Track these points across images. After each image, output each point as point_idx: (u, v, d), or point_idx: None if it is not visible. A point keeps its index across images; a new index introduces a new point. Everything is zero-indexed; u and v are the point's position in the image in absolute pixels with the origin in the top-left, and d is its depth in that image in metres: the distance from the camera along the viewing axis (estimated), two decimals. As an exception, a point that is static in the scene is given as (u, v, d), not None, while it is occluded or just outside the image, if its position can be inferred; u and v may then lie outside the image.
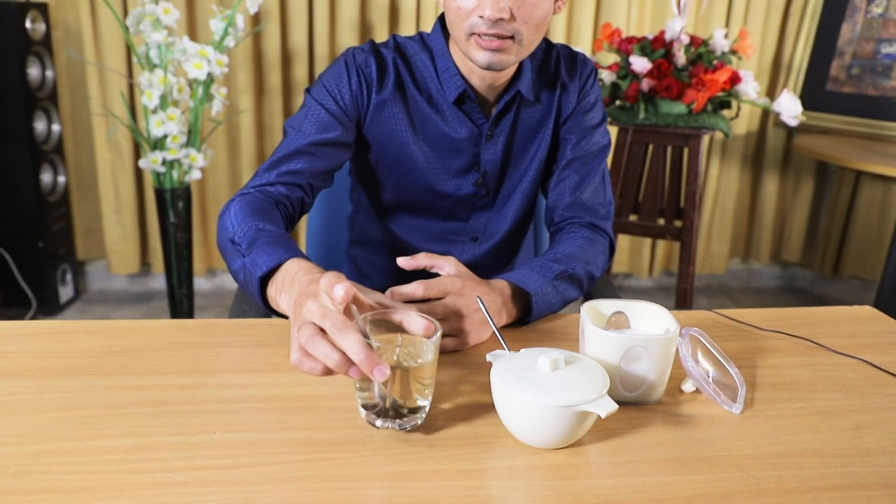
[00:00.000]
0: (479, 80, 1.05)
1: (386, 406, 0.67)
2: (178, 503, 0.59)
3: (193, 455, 0.65)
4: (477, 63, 0.97)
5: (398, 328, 0.73)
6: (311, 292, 0.71)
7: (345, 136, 1.05)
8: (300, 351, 0.66)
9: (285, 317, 0.84)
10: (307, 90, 1.06)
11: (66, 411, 0.72)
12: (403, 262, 0.89)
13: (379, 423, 0.68)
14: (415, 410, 0.69)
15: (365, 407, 0.69)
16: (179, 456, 0.65)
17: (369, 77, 1.05)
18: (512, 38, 0.95)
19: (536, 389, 0.66)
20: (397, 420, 0.68)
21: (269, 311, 0.88)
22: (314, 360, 0.65)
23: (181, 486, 0.61)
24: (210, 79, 2.17)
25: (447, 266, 0.91)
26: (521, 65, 1.08)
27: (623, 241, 3.16)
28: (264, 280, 0.84)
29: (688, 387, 0.80)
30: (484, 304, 0.81)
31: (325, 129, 1.03)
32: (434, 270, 0.92)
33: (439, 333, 0.69)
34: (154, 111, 2.15)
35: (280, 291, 0.81)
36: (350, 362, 0.63)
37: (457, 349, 0.88)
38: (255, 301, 0.87)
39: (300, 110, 1.06)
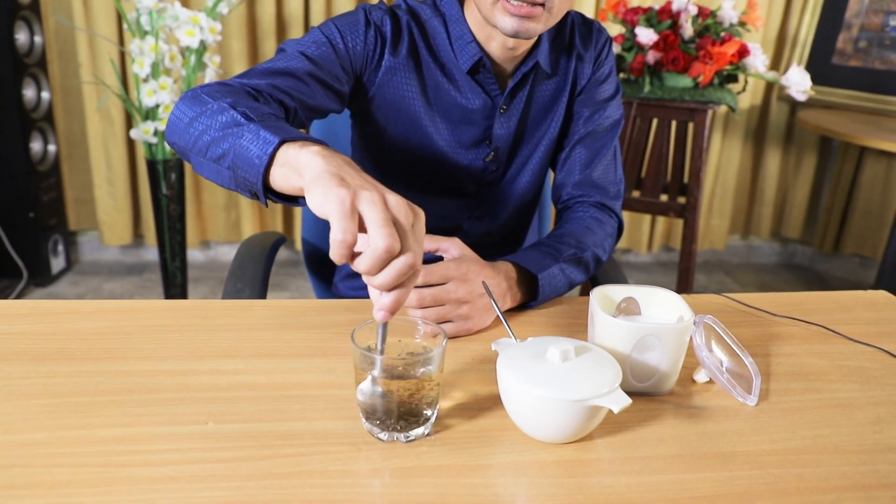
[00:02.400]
0: (497, 48, 0.99)
1: (390, 418, 0.64)
2: (167, 500, 0.56)
3: (184, 447, 0.62)
4: (502, 30, 0.91)
5: (403, 334, 0.69)
6: (382, 189, 0.60)
7: (342, 84, 0.97)
8: (348, 207, 0.57)
9: (275, 197, 0.71)
10: (316, 27, 0.98)
11: (52, 398, 0.69)
12: None
13: (384, 436, 0.64)
14: (420, 422, 0.65)
15: (368, 419, 0.65)
16: (170, 448, 0.62)
17: (385, 36, 0.99)
18: (542, 4, 0.89)
19: (546, 382, 0.63)
20: (402, 433, 0.64)
21: (263, 191, 0.70)
22: (354, 224, 0.57)
23: (171, 482, 0.58)
24: (203, 47, 2.11)
25: (452, 248, 0.87)
26: (539, 34, 1.02)
27: (623, 215, 3.12)
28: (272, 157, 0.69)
29: (701, 377, 0.77)
30: (489, 289, 0.77)
31: (326, 66, 0.94)
32: (439, 253, 0.88)
33: (445, 342, 0.65)
34: (145, 80, 2.09)
35: (308, 147, 0.65)
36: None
37: (459, 335, 0.84)
38: (244, 171, 0.71)
39: (304, 37, 0.96)
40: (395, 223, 0.58)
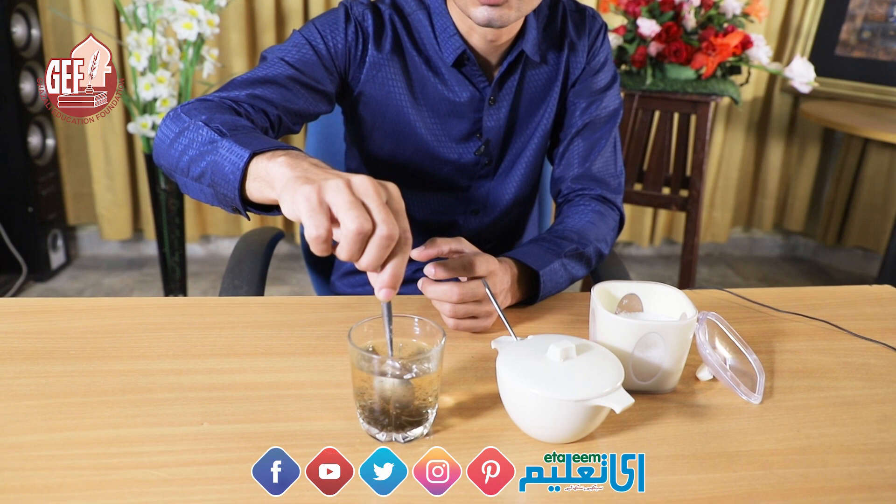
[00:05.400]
0: (479, 39, 0.97)
1: (388, 418, 0.63)
2: (159, 503, 0.55)
3: (178, 449, 0.61)
4: (475, 20, 0.90)
5: (401, 332, 0.68)
6: (348, 176, 0.60)
7: (327, 84, 0.96)
8: (317, 204, 0.57)
9: (255, 209, 0.72)
10: (296, 30, 0.98)
11: (44, 399, 0.68)
12: (416, 253, 0.79)
13: (382, 436, 0.64)
14: (419, 422, 0.64)
15: (365, 419, 0.64)
16: (163, 450, 0.61)
17: (366, 31, 0.98)
18: None
19: (546, 382, 0.62)
20: (401, 433, 0.63)
21: (241, 205, 0.71)
22: (325, 219, 0.57)
23: (164, 484, 0.57)
24: (201, 40, 2.09)
25: (459, 240, 0.85)
26: (525, 22, 1.00)
27: (625, 209, 3.10)
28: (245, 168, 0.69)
29: (704, 375, 0.76)
30: (490, 288, 0.76)
31: (308, 68, 0.94)
32: (445, 254, 0.85)
33: (444, 341, 0.64)
34: (143, 73, 2.07)
35: (276, 158, 0.65)
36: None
37: (474, 331, 0.83)
38: (223, 188, 0.71)
39: (285, 43, 0.96)
40: (365, 203, 0.58)
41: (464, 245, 0.85)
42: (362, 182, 0.59)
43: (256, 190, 0.69)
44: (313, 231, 0.57)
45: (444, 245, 0.83)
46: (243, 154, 0.69)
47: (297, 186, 0.59)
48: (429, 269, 0.80)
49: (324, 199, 0.58)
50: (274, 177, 0.64)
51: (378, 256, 0.58)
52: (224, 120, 0.77)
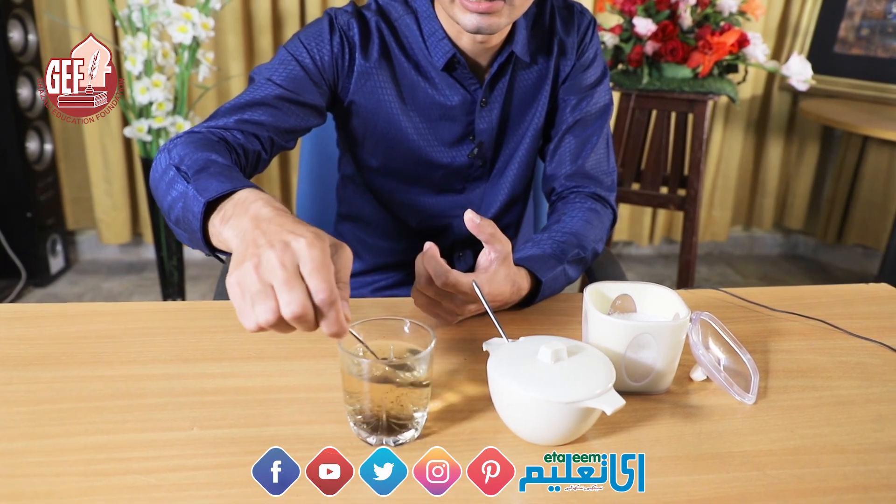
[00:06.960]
0: (468, 42, 0.97)
1: (378, 421, 0.62)
2: (149, 509, 0.55)
3: (168, 454, 0.61)
4: (464, 27, 0.89)
5: (391, 335, 0.68)
6: (276, 236, 0.58)
7: (316, 98, 0.96)
8: (248, 299, 0.56)
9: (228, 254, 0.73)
10: (282, 45, 0.98)
11: (35, 405, 0.68)
12: (470, 214, 0.77)
13: (372, 439, 0.63)
14: (409, 425, 0.64)
15: (356, 423, 0.64)
16: (153, 455, 0.61)
17: (352, 40, 0.97)
18: None
19: (537, 383, 0.61)
20: (391, 436, 0.63)
21: (210, 251, 0.73)
22: (254, 313, 0.56)
23: (153, 490, 0.57)
24: (196, 43, 2.09)
25: (504, 251, 0.81)
26: (514, 22, 0.99)
27: (624, 208, 3.10)
28: (209, 212, 0.70)
29: (697, 375, 0.75)
30: (480, 289, 0.76)
31: (296, 85, 0.94)
32: (485, 243, 0.81)
33: (433, 343, 0.63)
34: (138, 77, 2.07)
35: (227, 220, 0.66)
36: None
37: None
38: (193, 237, 0.73)
39: (271, 61, 0.96)
40: (274, 283, 0.56)
41: (502, 252, 0.81)
42: (268, 261, 0.56)
43: (224, 248, 0.69)
44: (248, 326, 0.57)
45: (492, 231, 0.79)
46: (201, 202, 0.69)
47: (229, 276, 0.58)
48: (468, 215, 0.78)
49: (245, 291, 0.57)
50: (227, 241, 0.65)
51: (303, 328, 0.57)
52: (194, 160, 0.76)
